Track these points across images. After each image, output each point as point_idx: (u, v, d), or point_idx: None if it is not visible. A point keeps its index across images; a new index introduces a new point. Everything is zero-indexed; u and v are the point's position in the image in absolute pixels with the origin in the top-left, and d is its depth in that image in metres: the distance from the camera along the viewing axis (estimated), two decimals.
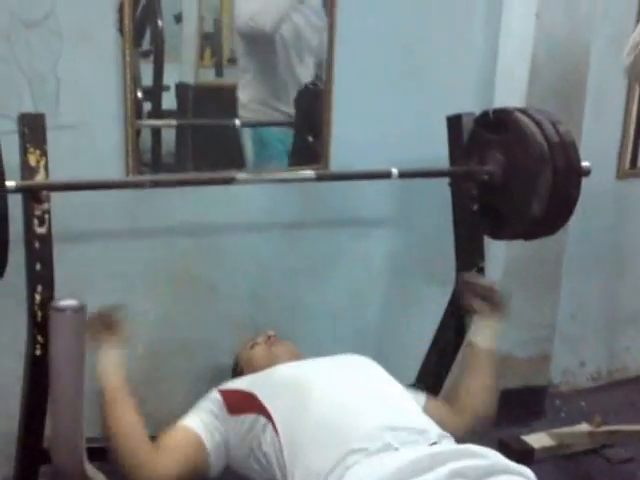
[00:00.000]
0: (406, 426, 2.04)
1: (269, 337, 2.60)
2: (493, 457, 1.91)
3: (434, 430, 2.08)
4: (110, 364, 2.25)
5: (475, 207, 2.71)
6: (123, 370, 2.27)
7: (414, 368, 2.91)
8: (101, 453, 2.28)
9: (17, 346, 2.33)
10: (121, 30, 2.61)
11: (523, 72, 3.25)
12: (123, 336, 2.28)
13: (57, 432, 2.12)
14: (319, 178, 2.56)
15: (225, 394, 2.29)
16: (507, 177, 2.63)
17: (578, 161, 2.55)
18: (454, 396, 2.55)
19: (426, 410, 2.31)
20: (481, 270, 2.73)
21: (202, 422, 2.27)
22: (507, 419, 3.51)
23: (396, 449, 1.92)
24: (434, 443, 1.98)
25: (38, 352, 2.14)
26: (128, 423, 2.21)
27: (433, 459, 1.83)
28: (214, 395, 2.31)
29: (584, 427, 3.40)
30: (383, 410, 2.12)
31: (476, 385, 2.54)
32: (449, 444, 2.02)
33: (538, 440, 3.32)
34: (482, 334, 2.56)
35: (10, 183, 2.00)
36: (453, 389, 2.60)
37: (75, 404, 2.09)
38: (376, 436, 1.95)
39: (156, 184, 2.32)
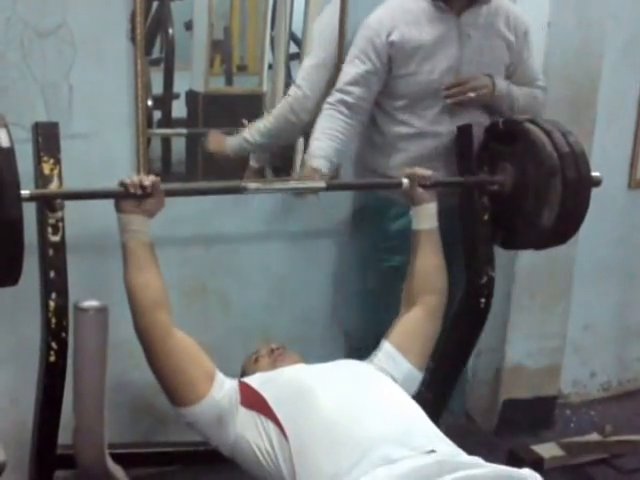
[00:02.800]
0: (411, 431, 2.06)
1: (272, 350, 2.55)
2: (493, 465, 1.93)
3: (437, 435, 2.10)
4: (135, 223, 2.25)
5: (485, 217, 2.71)
6: (147, 233, 2.27)
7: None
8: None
9: (28, 352, 2.35)
10: (133, 39, 2.63)
11: None
12: (153, 206, 2.28)
13: (80, 428, 2.17)
14: (330, 187, 2.57)
15: (242, 385, 2.30)
16: (517, 187, 2.63)
17: (588, 171, 2.55)
18: (416, 287, 2.60)
19: (399, 345, 2.48)
20: (491, 280, 2.73)
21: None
22: (517, 429, 3.53)
23: (403, 455, 1.92)
24: (432, 451, 1.98)
25: (52, 359, 2.16)
26: (150, 281, 2.25)
27: (440, 467, 1.83)
28: (234, 383, 2.31)
29: (594, 437, 3.40)
30: (388, 415, 2.13)
31: (433, 263, 2.62)
32: (453, 451, 2.02)
33: (548, 450, 3.31)
34: (424, 218, 2.61)
35: (24, 192, 2.01)
36: (412, 282, 2.62)
37: (97, 402, 2.14)
38: (383, 442, 1.96)
39: (168, 193, 2.32)
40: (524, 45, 2.93)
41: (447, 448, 2.03)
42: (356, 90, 2.80)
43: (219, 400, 2.23)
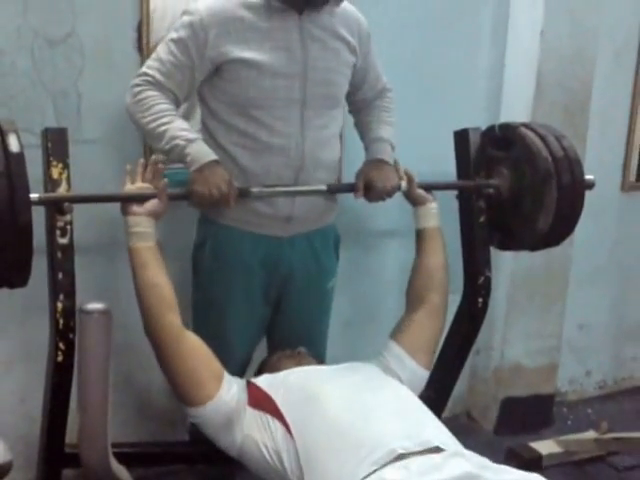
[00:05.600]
0: (417, 428, 2.05)
1: (298, 352, 2.60)
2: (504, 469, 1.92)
3: (444, 432, 2.10)
4: (141, 225, 2.28)
5: (482, 219, 2.76)
6: (154, 235, 2.30)
7: None
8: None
9: (37, 352, 2.40)
10: (139, 48, 2.70)
11: (529, 88, 3.32)
12: (158, 207, 2.31)
13: (83, 429, 2.17)
14: (330, 190, 2.60)
15: (250, 386, 2.33)
16: (513, 191, 2.69)
17: (582, 175, 2.60)
18: (420, 285, 2.68)
19: (405, 345, 2.54)
20: (488, 280, 2.79)
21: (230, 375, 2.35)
22: (515, 427, 3.57)
23: (412, 457, 1.90)
24: (438, 447, 1.97)
25: (60, 359, 2.19)
26: (158, 283, 2.27)
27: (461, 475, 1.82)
28: (242, 383, 2.35)
29: (591, 434, 3.43)
30: (394, 415, 2.13)
31: (437, 261, 2.70)
32: (464, 454, 1.97)
33: (546, 447, 3.36)
34: (427, 217, 2.72)
35: (34, 195, 2.05)
36: (416, 280, 2.71)
37: (101, 403, 2.14)
38: (391, 443, 1.94)
39: (174, 197, 2.36)
40: (369, 47, 2.64)
41: (454, 447, 2.02)
42: (164, 81, 2.39)
43: (228, 401, 2.25)
